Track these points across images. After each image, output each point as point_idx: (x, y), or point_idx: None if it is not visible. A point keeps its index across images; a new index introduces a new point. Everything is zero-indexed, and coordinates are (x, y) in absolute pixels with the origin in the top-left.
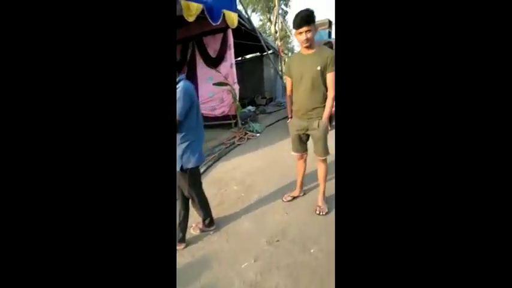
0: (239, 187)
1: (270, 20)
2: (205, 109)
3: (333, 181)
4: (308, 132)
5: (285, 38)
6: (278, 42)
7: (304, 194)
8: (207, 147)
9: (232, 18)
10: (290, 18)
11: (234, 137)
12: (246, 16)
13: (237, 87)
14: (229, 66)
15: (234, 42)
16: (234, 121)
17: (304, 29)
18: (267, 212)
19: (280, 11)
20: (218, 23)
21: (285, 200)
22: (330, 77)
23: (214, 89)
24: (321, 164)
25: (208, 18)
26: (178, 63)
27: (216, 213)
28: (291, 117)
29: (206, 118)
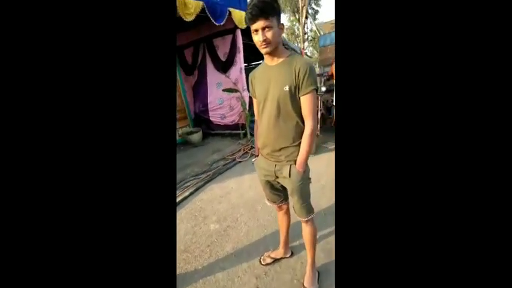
0: (216, 226)
1: (298, 20)
2: (215, 117)
3: (327, 245)
4: (278, 181)
5: (314, 39)
6: (301, 45)
7: (292, 254)
8: (206, 162)
9: (240, 18)
10: (320, 17)
11: (239, 150)
12: None
13: (246, 94)
14: (238, 71)
15: (245, 45)
16: (243, 131)
17: (261, 24)
18: (233, 278)
19: (310, 10)
20: (222, 23)
21: (263, 262)
22: (305, 102)
23: (223, 95)
24: (304, 227)
25: (210, 17)
26: (189, 67)
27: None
28: (257, 155)
29: (216, 126)
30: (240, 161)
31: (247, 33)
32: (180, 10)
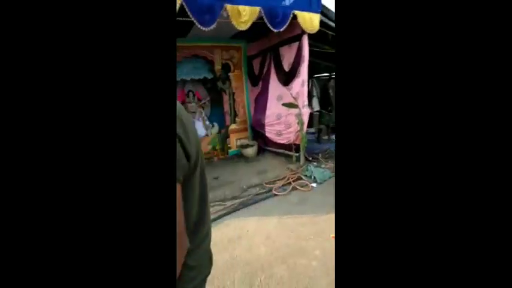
0: None
1: None
2: (271, 133)
3: None
4: None
5: None
6: None
7: None
8: (243, 184)
9: (309, 21)
10: None
11: (283, 178)
12: None
13: (306, 111)
14: (300, 83)
15: (313, 53)
16: (296, 155)
17: None
18: None
19: None
20: (282, 29)
21: None
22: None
23: (282, 110)
24: None
25: (268, 24)
26: (255, 77)
27: None
28: None
29: (271, 143)
30: (275, 194)
31: (317, 38)
32: (234, 19)
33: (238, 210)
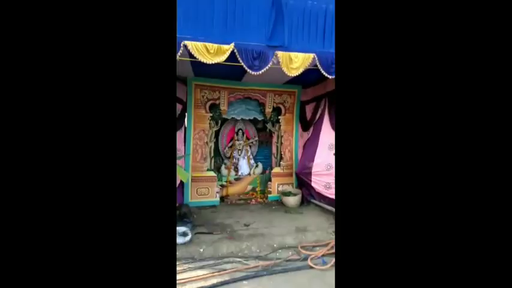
0: None
1: None
2: (318, 183)
3: None
4: None
5: None
6: None
7: None
8: (274, 243)
9: None
10: None
11: (327, 244)
12: None
13: None
14: None
15: None
16: None
17: None
18: None
19: None
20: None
21: None
22: None
23: (334, 160)
24: None
25: (322, 70)
26: (307, 122)
27: None
28: None
29: (318, 196)
30: (311, 267)
31: None
32: (284, 66)
33: (261, 276)
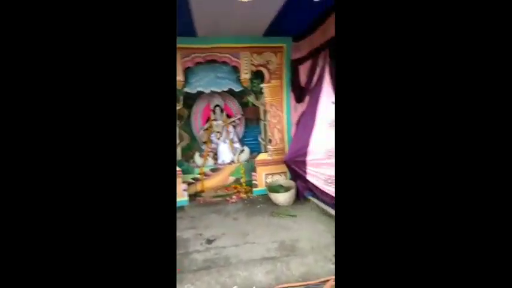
0: None
1: None
2: (316, 176)
3: None
4: None
5: None
6: None
7: None
8: (233, 272)
9: None
10: None
11: (326, 281)
12: None
13: None
14: None
15: None
16: None
17: None
18: None
19: None
20: None
21: None
22: None
23: None
24: None
25: None
26: (301, 90)
27: None
28: None
29: (317, 191)
30: None
31: None
32: None
33: None
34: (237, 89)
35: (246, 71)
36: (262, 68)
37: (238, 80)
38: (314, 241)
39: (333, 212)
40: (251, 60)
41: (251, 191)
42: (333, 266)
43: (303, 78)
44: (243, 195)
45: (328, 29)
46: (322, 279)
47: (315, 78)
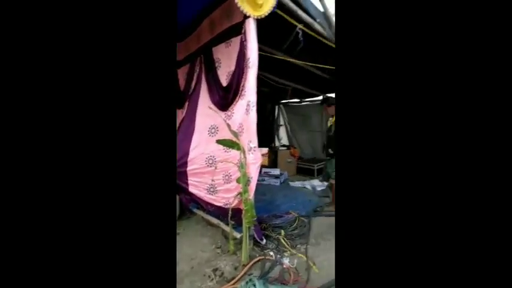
0: None
1: None
2: (198, 187)
3: None
4: None
5: None
6: None
7: None
8: None
9: None
10: None
11: None
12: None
13: (258, 156)
14: (244, 107)
15: (265, 57)
16: (238, 236)
17: None
18: None
19: None
20: None
21: None
22: None
23: (218, 150)
24: None
25: None
26: (181, 95)
27: None
28: None
29: (201, 202)
30: None
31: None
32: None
33: None
34: None
35: None
36: None
37: None
38: (195, 259)
39: (216, 221)
40: None
41: None
42: (211, 283)
43: (181, 83)
44: None
45: (203, 32)
46: None
47: (193, 83)
